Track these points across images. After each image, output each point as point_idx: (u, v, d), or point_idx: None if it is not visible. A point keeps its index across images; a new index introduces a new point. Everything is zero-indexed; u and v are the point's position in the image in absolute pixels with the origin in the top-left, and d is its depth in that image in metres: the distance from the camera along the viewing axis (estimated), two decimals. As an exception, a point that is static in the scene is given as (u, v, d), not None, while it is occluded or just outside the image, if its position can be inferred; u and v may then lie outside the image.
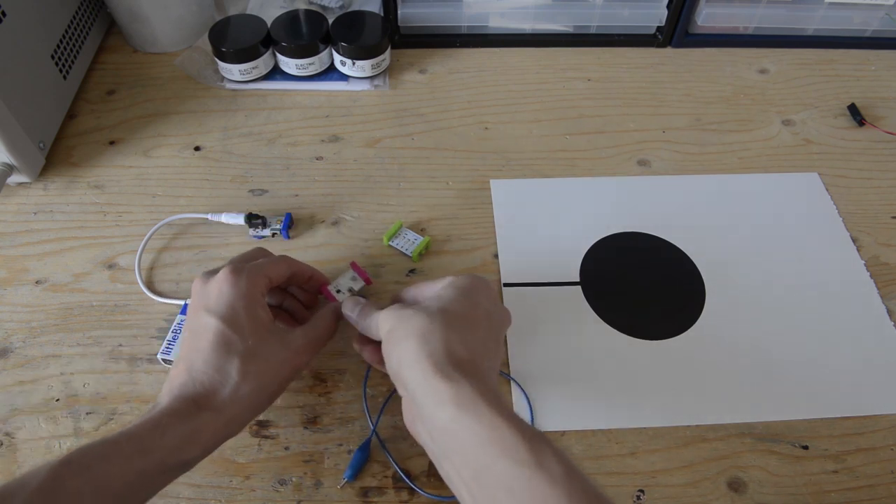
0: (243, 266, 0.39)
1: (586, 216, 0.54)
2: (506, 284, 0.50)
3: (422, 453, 0.42)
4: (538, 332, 0.47)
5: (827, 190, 0.57)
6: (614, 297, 0.49)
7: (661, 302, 0.50)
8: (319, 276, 0.45)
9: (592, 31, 0.69)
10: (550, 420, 0.43)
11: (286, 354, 0.38)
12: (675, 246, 0.53)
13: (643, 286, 0.50)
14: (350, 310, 0.41)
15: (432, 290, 0.39)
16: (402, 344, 0.34)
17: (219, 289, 0.37)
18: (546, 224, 0.54)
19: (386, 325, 0.36)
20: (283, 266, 0.41)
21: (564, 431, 0.43)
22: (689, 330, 0.48)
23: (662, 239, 0.53)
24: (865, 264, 0.52)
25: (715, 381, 0.45)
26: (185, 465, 0.35)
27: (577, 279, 0.50)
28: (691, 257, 0.52)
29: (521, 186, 0.57)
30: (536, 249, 0.52)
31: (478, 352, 0.34)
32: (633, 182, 0.57)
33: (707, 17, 0.67)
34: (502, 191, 0.56)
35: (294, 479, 0.41)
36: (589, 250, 0.52)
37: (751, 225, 0.54)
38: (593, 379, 0.45)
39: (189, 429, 0.34)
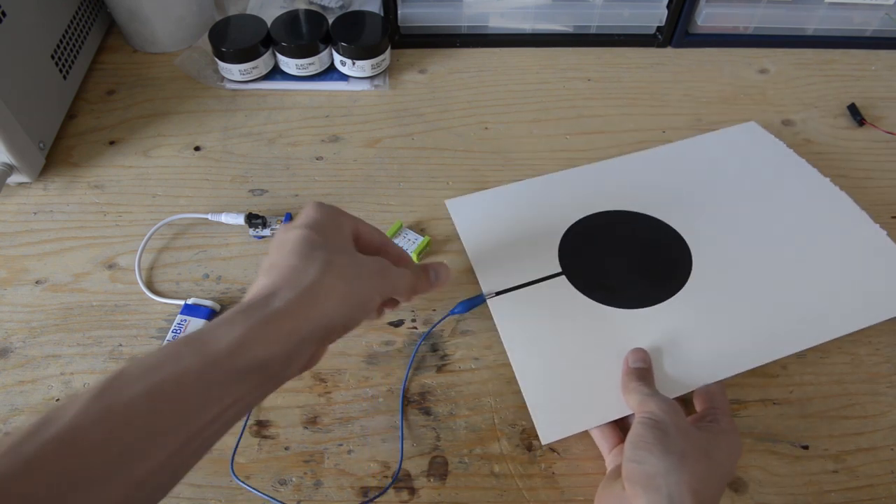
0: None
1: (551, 210, 0.54)
2: (489, 295, 0.48)
3: (422, 453, 0.42)
4: (534, 331, 0.46)
5: (774, 134, 0.59)
6: (599, 277, 0.49)
7: (648, 268, 0.50)
8: (407, 258, 0.42)
9: (592, 31, 0.69)
10: (578, 421, 0.42)
11: (370, 272, 0.35)
12: (645, 215, 0.53)
13: (625, 259, 0.50)
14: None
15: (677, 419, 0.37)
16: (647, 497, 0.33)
17: (304, 212, 0.36)
18: (513, 229, 0.53)
19: (636, 468, 0.35)
20: (374, 229, 0.39)
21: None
22: (686, 285, 0.48)
23: (631, 212, 0.53)
24: (831, 180, 0.54)
25: (727, 327, 0.46)
26: (262, 368, 0.30)
27: (559, 270, 0.50)
28: (662, 220, 0.52)
29: (478, 199, 0.55)
30: (510, 255, 0.51)
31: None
32: (583, 171, 0.57)
33: (707, 17, 0.67)
34: (461, 209, 0.54)
35: (294, 479, 0.41)
36: (562, 240, 0.51)
37: (713, 180, 0.56)
38: (605, 362, 0.44)
39: (256, 320, 0.30)
